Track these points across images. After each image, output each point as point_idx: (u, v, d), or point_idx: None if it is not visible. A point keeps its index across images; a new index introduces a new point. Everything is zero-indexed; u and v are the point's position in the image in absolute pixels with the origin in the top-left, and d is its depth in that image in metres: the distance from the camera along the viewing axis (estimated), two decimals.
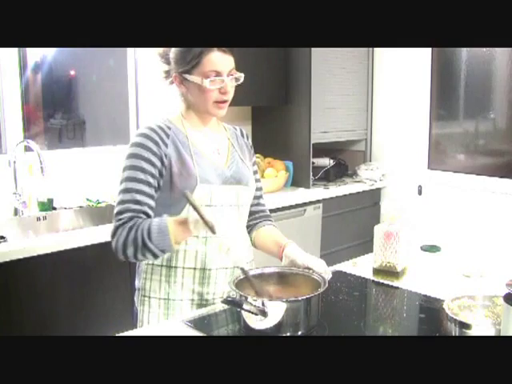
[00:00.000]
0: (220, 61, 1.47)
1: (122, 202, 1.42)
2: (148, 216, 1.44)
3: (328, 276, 1.46)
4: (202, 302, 1.57)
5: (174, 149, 1.49)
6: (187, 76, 1.49)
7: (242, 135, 1.73)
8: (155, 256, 1.42)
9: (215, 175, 1.53)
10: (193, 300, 1.56)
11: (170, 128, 1.52)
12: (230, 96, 1.52)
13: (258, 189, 1.75)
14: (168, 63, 1.55)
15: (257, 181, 1.73)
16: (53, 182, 2.76)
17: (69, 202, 2.82)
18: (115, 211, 1.43)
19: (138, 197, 1.42)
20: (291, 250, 1.55)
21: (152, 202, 1.45)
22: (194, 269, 1.54)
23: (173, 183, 1.48)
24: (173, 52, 1.52)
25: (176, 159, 1.48)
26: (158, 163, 1.46)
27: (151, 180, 1.44)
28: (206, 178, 1.50)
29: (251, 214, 1.73)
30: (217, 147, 1.60)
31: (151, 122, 1.53)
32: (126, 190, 1.43)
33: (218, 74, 1.47)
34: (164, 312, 1.56)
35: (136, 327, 1.58)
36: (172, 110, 1.62)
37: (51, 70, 3.54)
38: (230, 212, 1.56)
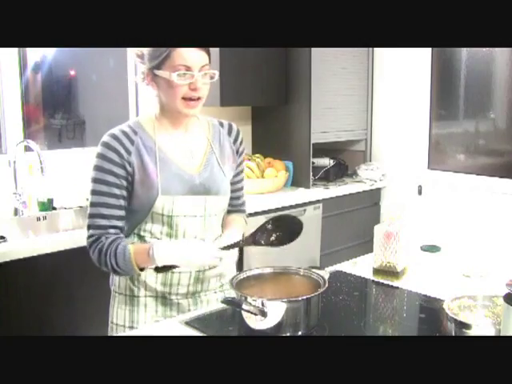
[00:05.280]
0: (190, 55, 1.40)
1: (90, 216, 1.46)
2: (115, 228, 1.45)
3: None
4: (167, 302, 1.56)
5: (138, 156, 1.45)
6: (157, 71, 1.42)
7: (230, 133, 1.63)
8: (128, 275, 1.51)
9: (180, 184, 1.48)
10: (156, 298, 1.55)
11: (136, 133, 1.47)
12: (201, 93, 1.44)
13: (239, 189, 1.69)
14: (144, 63, 1.48)
15: (238, 182, 1.68)
16: (53, 181, 2.76)
17: (69, 202, 2.82)
18: (86, 223, 1.46)
19: (104, 210, 1.44)
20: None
21: (118, 212, 1.46)
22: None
23: (134, 191, 1.46)
24: (146, 49, 1.44)
25: (139, 167, 1.45)
26: (122, 172, 1.44)
27: (116, 191, 1.44)
28: (168, 189, 1.46)
29: (229, 211, 1.69)
30: (191, 150, 1.53)
31: (117, 127, 1.48)
32: (92, 204, 1.45)
33: (188, 68, 1.40)
34: (129, 308, 1.56)
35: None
36: (147, 111, 1.55)
37: (51, 70, 3.55)
38: (193, 223, 1.51)
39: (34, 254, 2.15)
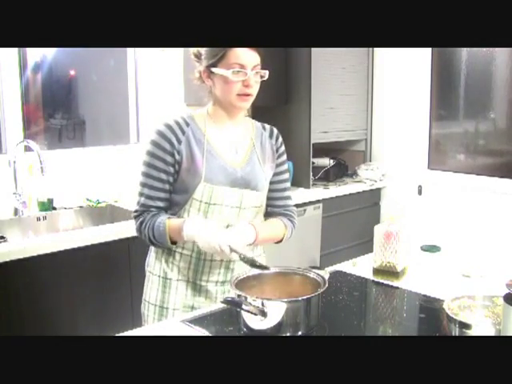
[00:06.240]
0: (244, 55, 1.52)
1: (139, 195, 1.62)
2: (158, 208, 1.60)
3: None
4: (196, 287, 1.65)
5: (187, 146, 1.58)
6: (213, 69, 1.55)
7: (271, 136, 1.74)
8: (162, 247, 1.63)
9: (223, 175, 1.58)
10: (187, 282, 1.65)
11: (188, 124, 1.60)
12: (253, 90, 1.57)
13: (279, 190, 1.75)
14: (201, 62, 1.60)
15: (278, 182, 1.75)
16: (53, 181, 2.76)
17: (69, 202, 2.82)
18: (136, 200, 1.62)
19: (150, 192, 1.59)
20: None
21: (162, 194, 1.60)
22: (191, 256, 1.62)
23: (180, 176, 1.58)
24: (203, 49, 1.58)
25: (187, 155, 1.57)
26: (171, 159, 1.57)
27: (163, 176, 1.58)
28: (211, 178, 1.57)
29: (272, 214, 1.75)
30: (235, 146, 1.64)
31: (171, 117, 1.62)
32: (142, 184, 1.60)
33: (242, 67, 1.52)
34: (162, 289, 1.66)
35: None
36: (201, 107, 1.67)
37: (51, 70, 3.55)
38: (229, 212, 1.60)
39: (34, 254, 2.15)
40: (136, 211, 1.61)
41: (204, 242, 1.47)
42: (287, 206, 1.78)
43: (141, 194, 1.60)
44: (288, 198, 1.79)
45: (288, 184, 1.79)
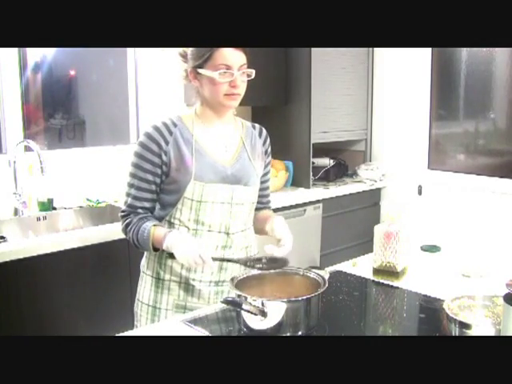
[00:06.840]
0: (231, 55, 1.53)
1: (126, 195, 1.63)
2: (145, 208, 1.62)
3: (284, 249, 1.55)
4: (189, 288, 1.64)
5: (175, 145, 1.58)
6: (200, 70, 1.56)
7: (260, 135, 1.77)
8: (145, 251, 1.67)
9: (213, 173, 1.59)
10: (180, 283, 1.64)
11: (176, 125, 1.60)
12: (240, 90, 1.58)
13: (266, 188, 1.82)
14: (187, 62, 1.62)
15: (266, 181, 1.82)
16: (53, 182, 2.76)
17: (69, 202, 2.82)
18: (123, 201, 1.64)
19: (136, 193, 1.60)
20: (276, 221, 1.66)
21: (149, 195, 1.61)
22: None
23: (170, 176, 1.58)
24: (189, 49, 1.59)
25: (176, 155, 1.57)
26: (158, 161, 1.57)
27: (150, 177, 1.59)
28: (201, 176, 1.58)
29: (259, 209, 1.79)
30: (225, 144, 1.65)
31: (159, 119, 1.62)
32: (129, 185, 1.62)
33: (229, 67, 1.53)
34: (154, 290, 1.67)
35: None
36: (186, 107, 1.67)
37: (51, 70, 3.55)
38: (221, 209, 1.61)
39: (34, 254, 2.15)
40: (123, 211, 1.63)
41: (181, 255, 1.48)
42: (270, 202, 1.87)
43: (128, 195, 1.62)
44: (269, 195, 1.86)
45: (270, 183, 1.87)
